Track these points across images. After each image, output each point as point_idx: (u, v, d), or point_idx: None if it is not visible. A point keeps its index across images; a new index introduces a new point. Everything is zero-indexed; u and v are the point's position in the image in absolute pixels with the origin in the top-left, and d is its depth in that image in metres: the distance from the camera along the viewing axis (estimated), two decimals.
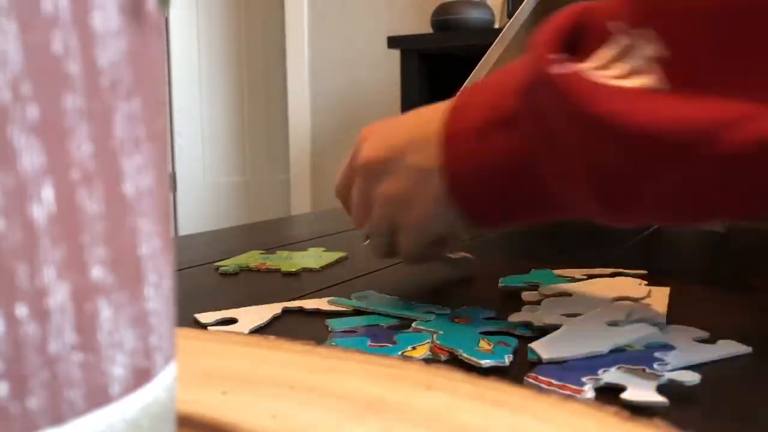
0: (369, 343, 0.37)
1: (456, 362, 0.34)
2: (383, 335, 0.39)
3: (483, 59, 0.66)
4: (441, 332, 0.38)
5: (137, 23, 0.14)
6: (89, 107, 0.13)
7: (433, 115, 0.43)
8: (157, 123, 0.15)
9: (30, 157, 0.12)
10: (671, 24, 0.32)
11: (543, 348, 0.35)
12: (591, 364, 0.33)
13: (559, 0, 0.73)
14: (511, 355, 0.35)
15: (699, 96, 0.31)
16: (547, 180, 0.38)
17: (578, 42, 0.36)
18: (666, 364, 0.33)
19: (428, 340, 0.37)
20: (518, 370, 0.33)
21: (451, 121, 0.41)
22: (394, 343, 0.37)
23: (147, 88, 0.14)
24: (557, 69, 0.33)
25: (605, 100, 0.32)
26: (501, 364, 0.34)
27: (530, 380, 0.31)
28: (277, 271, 0.58)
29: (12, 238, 0.12)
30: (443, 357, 0.35)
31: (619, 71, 0.33)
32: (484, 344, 0.36)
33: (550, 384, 0.31)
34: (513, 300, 0.46)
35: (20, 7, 0.11)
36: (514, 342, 0.37)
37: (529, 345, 0.35)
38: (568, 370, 0.32)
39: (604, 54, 0.33)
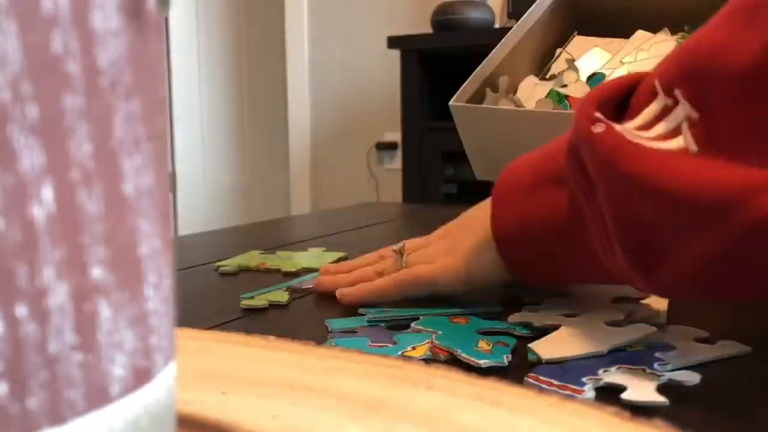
0: (369, 343, 0.37)
1: (455, 362, 0.34)
2: (383, 335, 0.39)
3: (487, 58, 0.66)
4: (440, 332, 0.38)
5: (137, 23, 0.14)
6: (89, 107, 0.13)
7: None
8: (157, 123, 0.15)
9: (30, 157, 0.12)
10: (702, 86, 0.32)
11: (542, 348, 0.35)
12: (591, 364, 0.33)
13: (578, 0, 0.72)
14: (510, 355, 0.35)
15: (728, 161, 0.30)
16: (590, 238, 0.37)
17: (629, 101, 0.36)
18: (666, 364, 0.33)
19: (428, 341, 0.37)
20: (518, 370, 0.33)
21: (501, 182, 0.43)
22: (394, 343, 0.37)
23: (147, 88, 0.14)
24: (597, 127, 0.33)
25: (638, 160, 0.32)
26: (499, 364, 0.34)
27: (530, 380, 0.31)
28: (277, 271, 0.58)
29: (12, 238, 0.12)
30: (443, 357, 0.35)
31: (658, 131, 0.33)
32: (483, 344, 0.36)
33: (550, 384, 0.31)
34: (513, 300, 0.46)
35: (20, 6, 0.11)
36: (513, 342, 0.37)
37: (529, 345, 0.35)
38: (569, 370, 0.32)
39: (647, 113, 0.34)
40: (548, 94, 0.65)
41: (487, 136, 0.62)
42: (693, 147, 0.31)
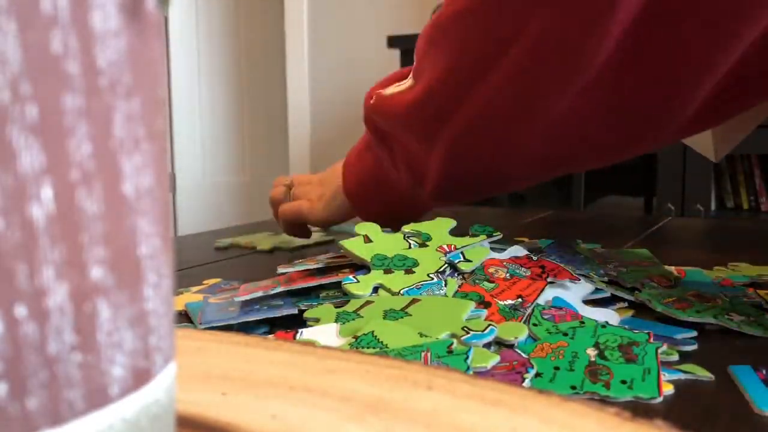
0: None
1: None
2: None
3: None
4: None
5: (137, 23, 0.14)
6: (89, 107, 0.13)
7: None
8: (156, 123, 0.15)
9: (29, 157, 0.12)
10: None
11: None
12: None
13: None
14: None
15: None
16: (392, 177, 0.58)
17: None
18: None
19: None
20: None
21: (349, 154, 0.65)
22: None
23: (147, 88, 0.14)
24: (373, 99, 0.56)
25: (387, 102, 0.54)
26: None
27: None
28: (253, 248, 0.69)
29: (11, 238, 0.12)
30: None
31: (401, 86, 0.54)
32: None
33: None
34: None
35: (19, 6, 0.11)
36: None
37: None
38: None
39: (400, 84, 0.55)
40: None
41: None
42: (410, 83, 0.53)
